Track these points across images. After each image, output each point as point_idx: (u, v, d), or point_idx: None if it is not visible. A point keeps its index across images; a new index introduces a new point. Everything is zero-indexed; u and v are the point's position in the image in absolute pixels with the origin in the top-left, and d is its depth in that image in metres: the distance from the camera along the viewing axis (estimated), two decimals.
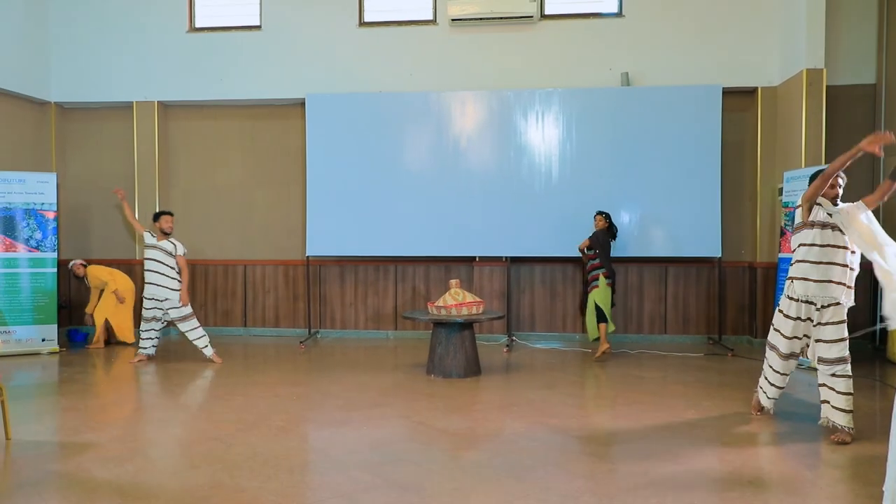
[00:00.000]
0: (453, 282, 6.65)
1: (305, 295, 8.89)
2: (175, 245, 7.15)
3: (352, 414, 5.12)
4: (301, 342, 8.29)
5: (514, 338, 8.40)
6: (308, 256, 8.63)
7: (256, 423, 4.85)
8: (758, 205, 8.27)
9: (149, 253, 7.11)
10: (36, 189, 7.91)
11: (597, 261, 7.33)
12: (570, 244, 7.84)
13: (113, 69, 8.96)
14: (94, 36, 8.97)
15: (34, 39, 8.77)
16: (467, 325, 6.44)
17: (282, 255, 9.09)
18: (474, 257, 8.53)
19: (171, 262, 7.10)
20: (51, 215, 7.98)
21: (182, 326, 7.16)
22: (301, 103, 8.77)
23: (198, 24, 8.98)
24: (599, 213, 7.53)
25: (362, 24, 8.72)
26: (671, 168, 8.04)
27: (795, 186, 7.31)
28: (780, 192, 7.70)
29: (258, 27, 8.86)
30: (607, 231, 7.48)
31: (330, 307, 8.96)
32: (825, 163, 7.31)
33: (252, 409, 5.24)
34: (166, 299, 7.07)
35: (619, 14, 8.41)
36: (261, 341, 8.64)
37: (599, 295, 7.24)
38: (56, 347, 7.82)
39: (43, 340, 7.80)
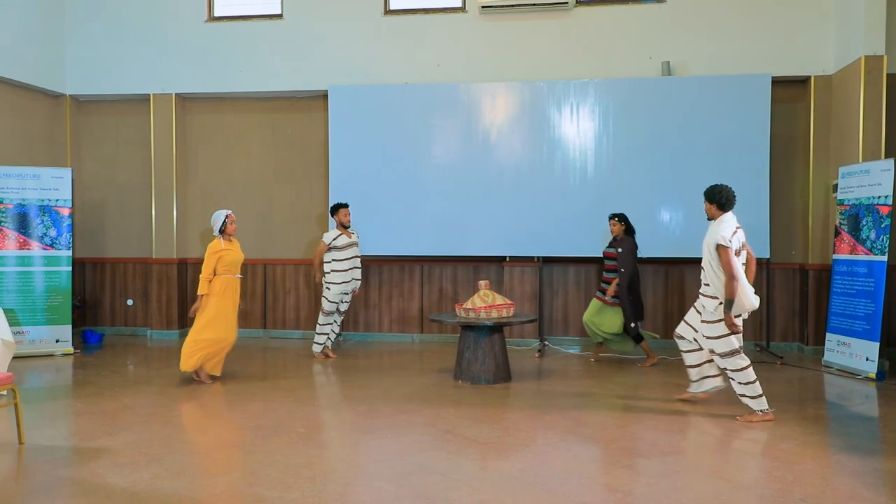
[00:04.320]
0: (482, 283, 6.64)
1: None
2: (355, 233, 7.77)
3: (376, 421, 5.14)
4: None
5: (546, 342, 8.35)
6: None
7: (276, 429, 4.88)
8: (810, 202, 8.10)
9: (344, 252, 7.53)
10: (51, 185, 8.06)
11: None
12: (606, 244, 7.78)
13: (129, 60, 9.10)
14: (111, 26, 9.12)
15: (49, 30, 8.94)
16: (497, 329, 6.41)
17: (303, 255, 9.15)
18: (504, 257, 8.50)
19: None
20: (66, 212, 8.13)
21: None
22: (323, 96, 8.82)
23: (217, 14, 9.08)
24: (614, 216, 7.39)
25: (388, 12, 8.75)
26: (716, 163, 7.91)
27: (851, 182, 7.16)
28: (835, 188, 7.53)
29: (279, 16, 8.93)
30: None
31: (353, 309, 8.99)
32: (884, 157, 7.15)
33: (272, 414, 5.28)
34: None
35: None
36: (281, 344, 8.71)
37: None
38: (70, 349, 7.96)
39: (57, 342, 7.94)
